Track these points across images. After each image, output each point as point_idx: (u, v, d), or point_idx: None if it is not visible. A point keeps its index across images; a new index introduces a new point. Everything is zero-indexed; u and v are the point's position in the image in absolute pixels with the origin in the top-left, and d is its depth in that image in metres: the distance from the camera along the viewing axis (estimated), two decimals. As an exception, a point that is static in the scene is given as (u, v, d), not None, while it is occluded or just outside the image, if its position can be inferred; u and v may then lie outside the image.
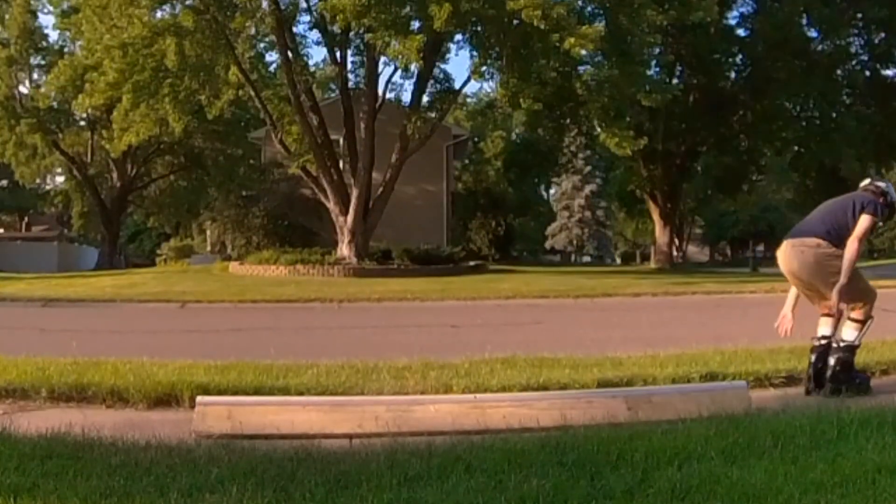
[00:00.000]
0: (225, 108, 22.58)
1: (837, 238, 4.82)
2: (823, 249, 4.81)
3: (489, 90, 35.07)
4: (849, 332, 4.84)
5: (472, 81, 31.34)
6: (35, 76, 35.87)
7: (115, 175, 36.89)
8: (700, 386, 4.52)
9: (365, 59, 20.92)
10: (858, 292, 4.88)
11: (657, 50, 23.97)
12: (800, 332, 6.55)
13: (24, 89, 35.51)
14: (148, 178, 38.70)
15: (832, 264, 4.75)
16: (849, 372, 4.73)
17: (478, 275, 20.49)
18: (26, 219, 51.86)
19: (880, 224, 5.28)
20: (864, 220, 4.84)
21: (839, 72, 26.20)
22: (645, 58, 19.98)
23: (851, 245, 4.74)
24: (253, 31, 20.36)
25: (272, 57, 23.32)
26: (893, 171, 36.75)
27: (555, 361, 5.34)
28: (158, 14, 19.32)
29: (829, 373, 4.69)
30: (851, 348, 4.80)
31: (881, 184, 5.13)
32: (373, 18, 16.12)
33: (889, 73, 27.55)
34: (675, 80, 25.98)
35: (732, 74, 27.57)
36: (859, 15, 25.65)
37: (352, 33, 19.92)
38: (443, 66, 23.58)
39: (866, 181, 5.31)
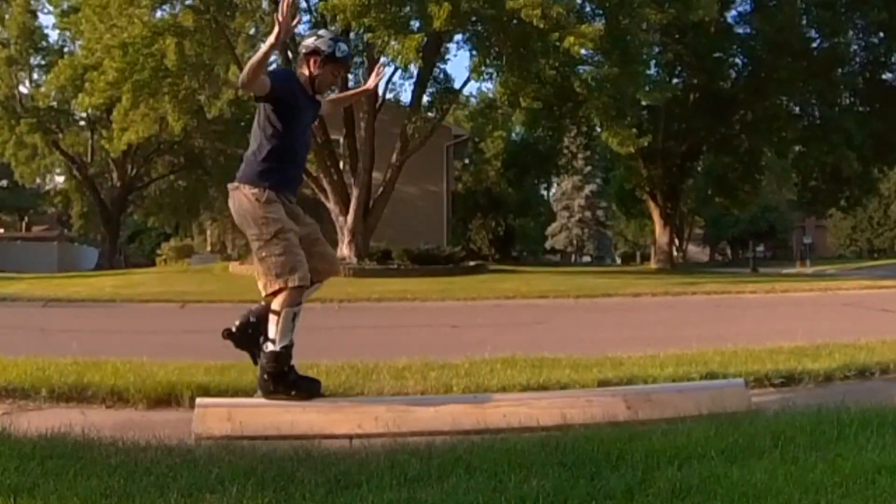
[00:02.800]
0: (225, 107, 22.61)
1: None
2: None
3: (489, 90, 35.05)
4: None
5: (472, 81, 31.37)
6: (35, 76, 35.95)
7: (115, 175, 36.93)
8: (698, 384, 4.52)
9: (365, 59, 20.92)
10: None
11: (657, 49, 24.00)
12: (800, 331, 6.56)
13: (24, 89, 35.60)
14: (148, 178, 38.72)
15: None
16: None
17: (478, 275, 20.50)
18: (26, 219, 51.90)
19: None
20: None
21: (839, 73, 26.19)
22: (645, 57, 19.99)
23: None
24: (253, 30, 20.38)
25: (272, 57, 23.33)
26: (894, 171, 36.80)
27: (555, 361, 5.34)
28: (158, 14, 19.37)
29: None
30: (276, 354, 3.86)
31: (307, 41, 4.05)
32: (372, 18, 16.14)
33: (888, 75, 27.59)
34: (675, 80, 26.00)
35: (733, 74, 27.58)
36: (858, 14, 25.65)
37: (352, 33, 19.92)
38: (443, 66, 23.60)
39: None
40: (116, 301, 13.38)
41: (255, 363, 4.03)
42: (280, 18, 3.61)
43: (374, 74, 4.61)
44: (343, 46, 4.06)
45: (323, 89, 4.13)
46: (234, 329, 4.08)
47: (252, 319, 4.04)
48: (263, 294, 3.85)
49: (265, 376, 3.86)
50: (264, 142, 3.91)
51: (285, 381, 3.86)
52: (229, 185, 4.01)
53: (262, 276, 3.84)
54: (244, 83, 3.70)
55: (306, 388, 3.95)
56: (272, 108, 3.88)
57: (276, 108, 3.88)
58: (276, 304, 3.80)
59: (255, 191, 3.85)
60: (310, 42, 4.02)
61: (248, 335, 4.05)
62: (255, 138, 3.96)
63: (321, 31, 4.13)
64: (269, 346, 3.83)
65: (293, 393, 3.88)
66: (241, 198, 3.88)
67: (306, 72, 4.03)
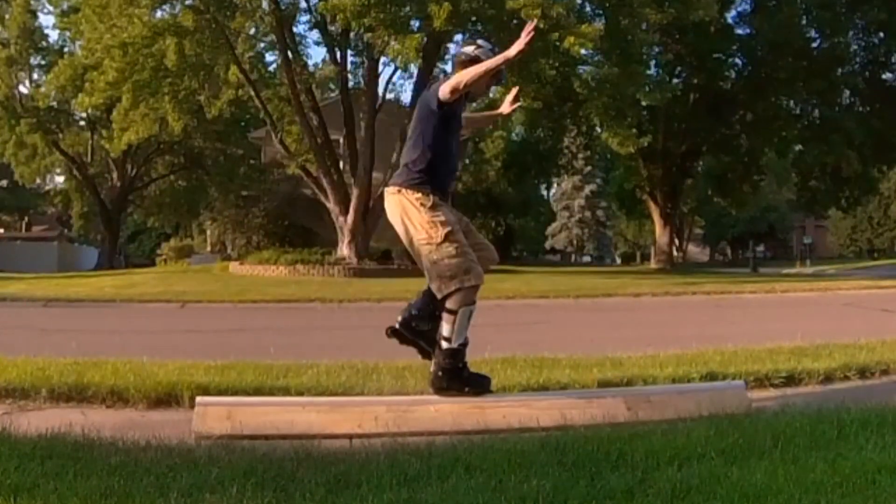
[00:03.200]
0: (225, 107, 22.62)
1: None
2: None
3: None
4: None
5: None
6: (35, 76, 35.95)
7: (115, 175, 36.92)
8: (698, 385, 4.52)
9: (365, 59, 20.93)
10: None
11: (657, 49, 24.02)
12: (800, 331, 6.56)
13: (24, 89, 35.60)
14: (148, 178, 38.72)
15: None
16: None
17: (478, 275, 20.46)
18: (26, 219, 51.92)
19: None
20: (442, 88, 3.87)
21: (839, 72, 26.20)
22: (645, 57, 20.00)
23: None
24: (253, 30, 20.39)
25: (272, 57, 23.31)
26: (894, 170, 36.81)
27: (555, 361, 5.34)
28: (158, 14, 19.37)
29: None
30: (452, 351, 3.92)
31: (468, 49, 4.11)
32: (373, 18, 16.14)
33: (888, 75, 27.59)
34: (675, 80, 26.00)
35: (733, 74, 27.59)
36: (858, 14, 25.66)
37: (352, 33, 19.92)
38: (443, 66, 23.57)
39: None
40: (116, 301, 13.39)
41: (425, 356, 4.08)
42: (523, 44, 3.75)
43: (509, 100, 4.54)
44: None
45: (475, 98, 4.23)
46: (397, 326, 4.10)
47: (414, 313, 4.06)
48: (438, 296, 3.86)
49: (440, 373, 3.90)
50: (426, 147, 3.94)
51: (459, 377, 3.92)
52: (387, 189, 4.05)
53: (435, 278, 3.85)
54: (457, 90, 3.78)
55: (478, 384, 4.00)
56: (441, 120, 3.94)
57: (445, 118, 3.95)
58: (451, 303, 3.81)
59: (419, 195, 3.88)
60: (469, 50, 4.07)
61: (412, 329, 4.07)
62: (415, 144, 3.98)
63: (480, 41, 4.20)
64: (445, 344, 3.86)
65: (466, 389, 3.94)
66: (405, 203, 3.90)
67: None
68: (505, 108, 4.57)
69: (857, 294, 14.71)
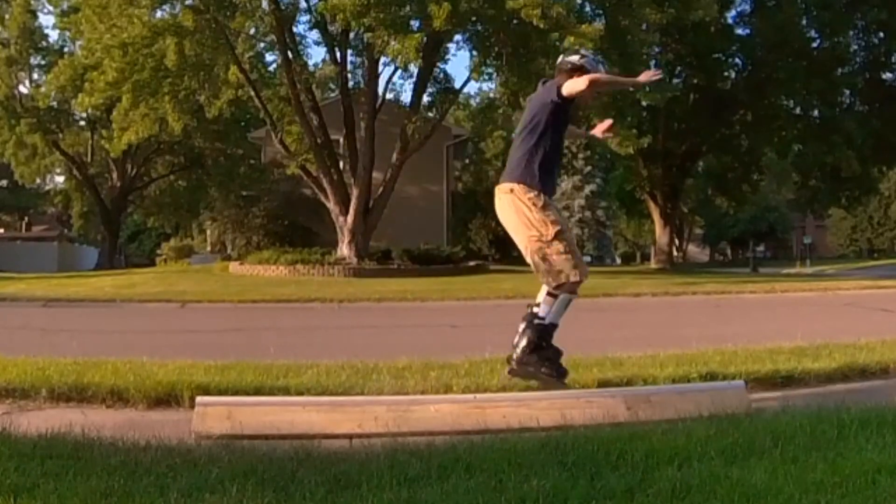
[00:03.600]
0: (225, 107, 22.61)
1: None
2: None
3: (489, 90, 35.11)
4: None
5: (472, 81, 31.40)
6: (35, 76, 35.93)
7: (115, 175, 36.92)
8: (698, 385, 4.52)
9: (365, 59, 20.92)
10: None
11: (657, 49, 24.01)
12: (800, 331, 6.56)
13: (24, 89, 35.57)
14: (148, 178, 38.72)
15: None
16: None
17: (478, 275, 20.50)
18: (26, 219, 51.91)
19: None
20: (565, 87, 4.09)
21: (839, 72, 26.21)
22: (644, 57, 19.99)
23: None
24: (253, 30, 20.39)
25: (272, 57, 23.32)
26: (894, 170, 36.82)
27: (555, 361, 5.33)
28: (158, 14, 19.35)
29: None
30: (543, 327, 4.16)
31: (572, 58, 4.36)
32: (372, 18, 16.14)
33: (888, 75, 27.60)
34: (675, 80, 26.00)
35: (732, 74, 27.60)
36: (858, 14, 25.67)
37: (352, 33, 19.92)
38: (443, 66, 23.60)
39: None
40: (116, 301, 13.38)
41: (553, 374, 4.17)
42: (653, 77, 4.19)
43: (602, 127, 4.73)
44: (603, 69, 4.38)
45: (581, 104, 4.52)
46: (514, 366, 4.22)
47: (530, 339, 4.17)
48: (547, 290, 4.13)
49: (524, 344, 4.12)
50: (538, 147, 4.14)
51: (540, 352, 4.12)
52: (499, 188, 4.23)
53: (544, 273, 4.10)
54: (580, 92, 4.03)
55: (555, 368, 4.15)
56: (554, 115, 4.15)
57: (559, 113, 4.17)
58: (556, 290, 4.09)
59: (532, 195, 4.09)
60: (574, 59, 4.33)
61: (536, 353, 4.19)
62: (526, 143, 4.17)
63: (583, 51, 4.53)
64: (538, 321, 4.13)
65: (543, 370, 4.12)
66: (517, 202, 4.11)
67: None
68: (597, 131, 4.80)
69: (857, 294, 14.70)
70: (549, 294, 4.11)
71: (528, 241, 4.09)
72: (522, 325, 4.20)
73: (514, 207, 4.13)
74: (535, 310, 4.19)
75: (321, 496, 2.63)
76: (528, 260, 4.18)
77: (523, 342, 4.12)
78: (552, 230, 4.04)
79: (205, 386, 4.40)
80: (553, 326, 4.14)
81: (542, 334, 4.11)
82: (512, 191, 4.13)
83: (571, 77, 4.18)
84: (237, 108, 27.78)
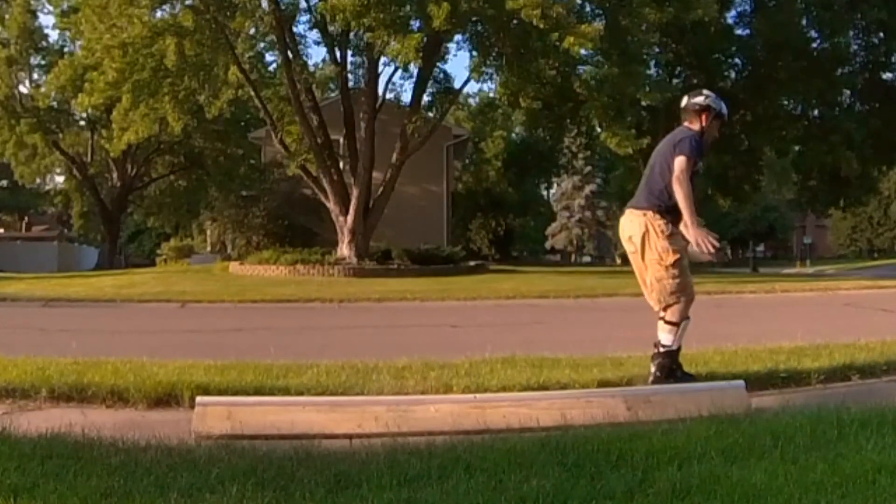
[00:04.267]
0: (225, 107, 22.60)
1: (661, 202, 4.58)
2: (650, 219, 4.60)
3: (489, 90, 35.14)
4: (664, 336, 4.62)
5: (472, 81, 31.40)
6: (35, 76, 35.91)
7: (115, 175, 36.92)
8: (698, 385, 4.52)
9: (365, 59, 20.91)
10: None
11: (657, 49, 23.99)
12: (800, 331, 6.56)
13: (24, 89, 35.54)
14: (148, 178, 38.70)
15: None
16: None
17: (478, 275, 20.49)
18: (26, 219, 51.90)
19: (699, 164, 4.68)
20: (676, 164, 4.46)
21: (839, 73, 26.19)
22: (644, 57, 19.99)
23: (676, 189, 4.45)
24: (253, 30, 20.37)
25: (272, 57, 23.33)
26: (894, 170, 36.82)
27: (555, 361, 5.34)
28: (158, 14, 19.35)
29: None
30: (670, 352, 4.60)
31: (698, 99, 4.70)
32: (372, 18, 16.14)
33: (888, 74, 27.58)
34: (675, 80, 25.98)
35: (732, 74, 27.57)
36: (858, 15, 25.65)
37: (352, 33, 19.92)
38: (443, 66, 23.59)
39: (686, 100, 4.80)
40: (116, 301, 13.38)
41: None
42: (702, 244, 4.43)
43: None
44: (724, 106, 4.73)
45: (710, 142, 4.74)
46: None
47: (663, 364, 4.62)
48: (656, 308, 4.67)
49: (657, 371, 4.59)
50: (668, 185, 4.53)
51: (674, 375, 4.59)
52: (631, 210, 4.69)
53: (657, 292, 4.62)
54: (678, 179, 4.41)
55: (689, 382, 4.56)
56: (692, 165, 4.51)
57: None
58: (670, 315, 4.60)
59: (661, 223, 4.57)
60: (700, 100, 4.68)
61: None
62: (662, 178, 4.60)
63: (706, 91, 4.80)
64: (663, 348, 4.60)
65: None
66: (649, 225, 4.58)
67: (697, 126, 4.66)
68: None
69: (857, 294, 14.70)
70: (668, 323, 4.59)
71: (649, 262, 4.59)
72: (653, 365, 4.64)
73: (644, 229, 4.58)
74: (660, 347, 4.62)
75: (321, 496, 2.63)
76: (642, 276, 4.69)
77: (656, 370, 4.59)
78: (672, 258, 4.54)
79: (205, 386, 4.40)
80: (679, 350, 4.65)
81: (671, 357, 4.61)
82: (645, 214, 4.61)
83: (700, 116, 4.63)
84: (237, 108, 27.78)
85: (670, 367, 4.59)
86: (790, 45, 23.78)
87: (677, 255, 4.54)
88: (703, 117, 4.65)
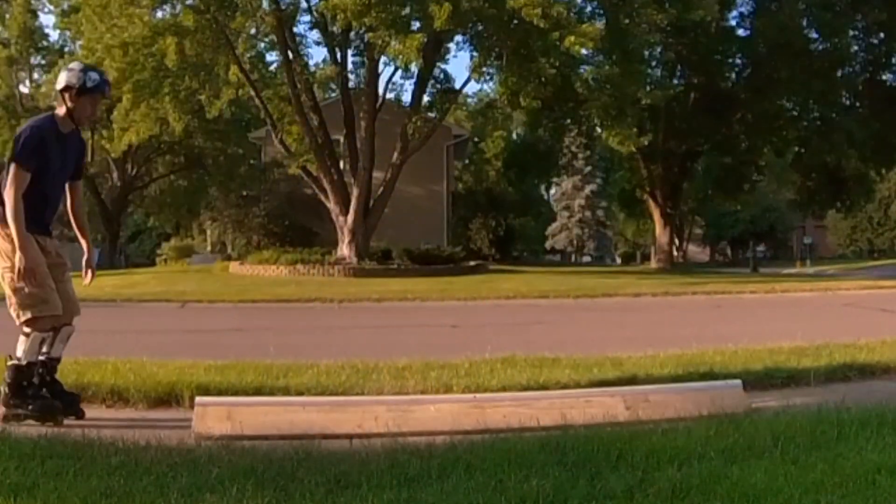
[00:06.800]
0: (225, 107, 22.61)
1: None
2: None
3: (489, 90, 35.15)
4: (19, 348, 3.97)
5: (472, 81, 31.41)
6: (35, 76, 35.97)
7: (115, 175, 36.90)
8: (696, 385, 4.53)
9: (365, 59, 20.93)
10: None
11: (658, 49, 24.00)
12: (800, 331, 6.56)
13: (24, 89, 35.57)
14: (148, 178, 38.69)
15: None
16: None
17: (478, 275, 20.50)
18: (26, 219, 51.82)
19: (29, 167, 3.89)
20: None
21: (839, 73, 26.19)
22: (645, 57, 19.99)
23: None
24: (253, 30, 20.38)
25: (272, 57, 23.33)
26: (894, 171, 36.82)
27: (555, 361, 5.34)
28: (159, 14, 19.39)
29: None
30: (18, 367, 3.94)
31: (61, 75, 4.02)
32: (373, 18, 16.14)
33: (888, 75, 27.57)
34: (675, 80, 25.98)
35: (733, 74, 27.57)
36: (859, 16, 25.64)
37: (352, 33, 19.92)
38: (443, 66, 23.61)
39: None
40: (116, 301, 13.37)
41: None
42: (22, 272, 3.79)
43: None
44: (94, 75, 4.04)
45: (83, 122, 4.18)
46: None
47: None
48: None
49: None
50: None
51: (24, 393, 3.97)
52: None
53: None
54: None
55: None
56: None
57: None
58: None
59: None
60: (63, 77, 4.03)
61: None
62: None
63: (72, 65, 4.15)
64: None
65: None
66: None
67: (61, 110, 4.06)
68: None
69: (857, 294, 14.70)
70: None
71: None
72: None
73: None
74: None
75: (321, 496, 2.63)
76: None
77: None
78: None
79: (205, 386, 4.40)
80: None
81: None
82: None
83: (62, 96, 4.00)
84: (237, 108, 27.78)
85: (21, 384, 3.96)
86: (791, 45, 23.78)
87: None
88: (66, 97, 3.99)
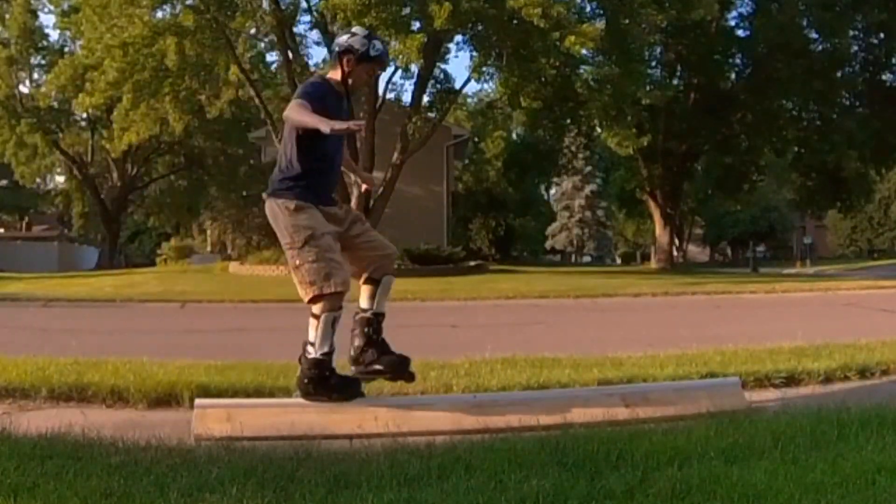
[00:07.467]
0: (225, 107, 22.64)
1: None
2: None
3: (489, 90, 35.15)
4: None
5: (472, 81, 31.41)
6: (35, 76, 35.95)
7: (115, 175, 36.94)
8: (694, 383, 4.53)
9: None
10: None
11: (658, 49, 24.01)
12: (800, 331, 6.56)
13: (24, 89, 35.58)
14: (148, 178, 38.74)
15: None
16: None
17: (478, 275, 20.50)
18: (26, 219, 51.85)
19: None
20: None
21: (839, 73, 26.20)
22: (645, 57, 19.99)
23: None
24: (253, 30, 20.40)
25: (272, 57, 23.38)
26: (894, 171, 36.85)
27: (555, 361, 5.34)
28: (159, 14, 19.38)
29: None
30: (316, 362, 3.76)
31: (342, 38, 3.84)
32: (373, 18, 16.13)
33: (888, 75, 27.58)
34: (675, 80, 25.99)
35: (733, 75, 27.58)
36: (859, 17, 25.64)
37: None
38: (443, 66, 23.60)
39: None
40: (116, 301, 13.38)
41: None
42: (347, 126, 3.47)
43: None
44: (378, 44, 3.86)
45: (356, 87, 3.99)
46: None
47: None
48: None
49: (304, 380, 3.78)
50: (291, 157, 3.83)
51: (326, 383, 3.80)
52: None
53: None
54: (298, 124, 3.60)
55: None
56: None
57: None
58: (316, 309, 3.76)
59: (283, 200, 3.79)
60: (342, 40, 3.86)
61: None
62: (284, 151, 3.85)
63: (355, 29, 3.97)
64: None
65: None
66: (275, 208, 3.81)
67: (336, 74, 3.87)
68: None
69: (857, 294, 14.70)
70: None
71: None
72: None
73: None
74: None
75: (321, 496, 2.63)
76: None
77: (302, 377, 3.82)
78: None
79: (205, 386, 4.39)
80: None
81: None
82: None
83: (340, 61, 3.79)
84: (237, 108, 27.78)
85: (320, 376, 3.76)
86: (790, 45, 23.79)
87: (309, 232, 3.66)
88: (345, 61, 3.78)
